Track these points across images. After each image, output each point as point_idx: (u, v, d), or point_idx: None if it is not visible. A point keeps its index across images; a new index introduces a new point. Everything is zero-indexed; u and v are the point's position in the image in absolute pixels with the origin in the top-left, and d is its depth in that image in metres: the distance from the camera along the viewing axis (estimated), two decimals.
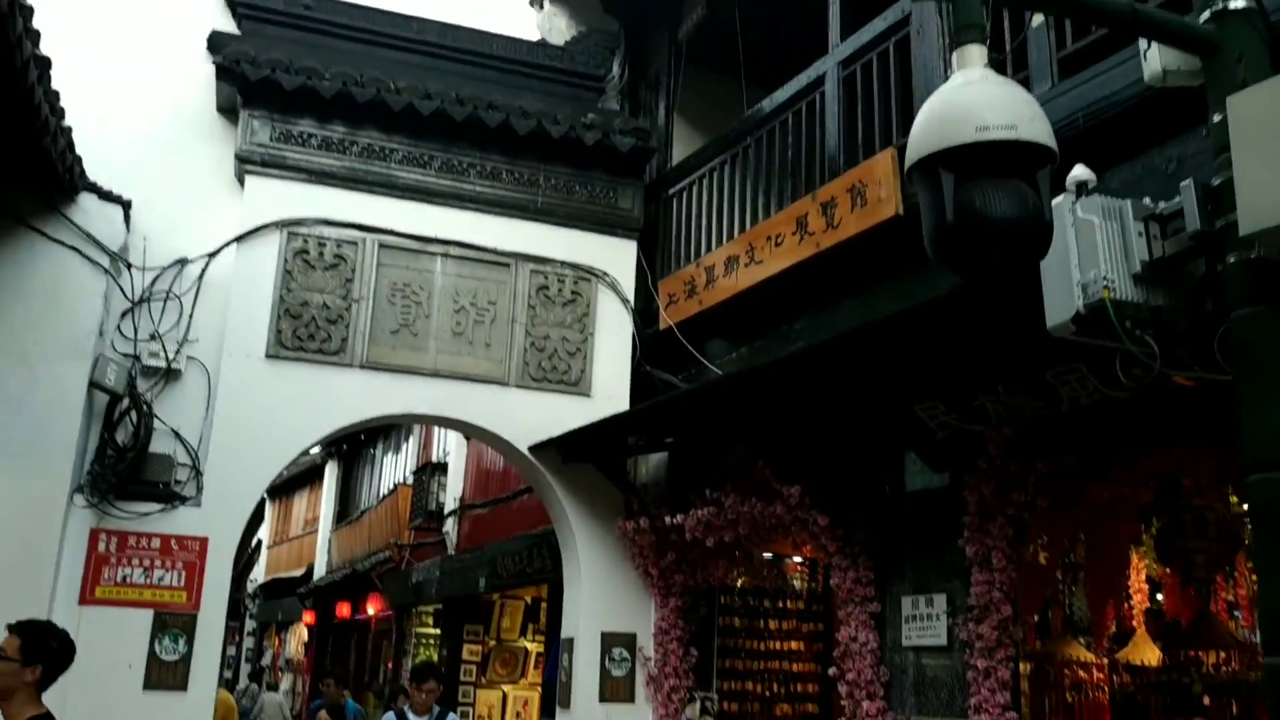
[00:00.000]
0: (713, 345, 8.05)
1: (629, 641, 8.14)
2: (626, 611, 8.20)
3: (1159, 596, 8.90)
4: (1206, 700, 6.16)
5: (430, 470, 16.19)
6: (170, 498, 7.17)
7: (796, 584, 9.05)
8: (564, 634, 8.39)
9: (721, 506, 6.93)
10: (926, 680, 5.83)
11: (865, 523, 6.36)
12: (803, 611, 9.08)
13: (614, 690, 8.03)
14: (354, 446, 21.81)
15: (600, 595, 8.17)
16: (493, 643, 15.31)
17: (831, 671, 6.43)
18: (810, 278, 6.87)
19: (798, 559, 9.06)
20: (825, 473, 6.55)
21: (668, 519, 7.46)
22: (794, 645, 8.94)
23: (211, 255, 7.62)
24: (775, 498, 6.58)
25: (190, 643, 7.02)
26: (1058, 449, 5.08)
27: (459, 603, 15.10)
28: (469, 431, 8.62)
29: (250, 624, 27.84)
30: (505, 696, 15.32)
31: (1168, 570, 6.86)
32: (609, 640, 8.09)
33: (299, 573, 23.84)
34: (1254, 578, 7.44)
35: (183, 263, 7.58)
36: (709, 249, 7.97)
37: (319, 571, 22.42)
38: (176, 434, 7.28)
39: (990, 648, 5.38)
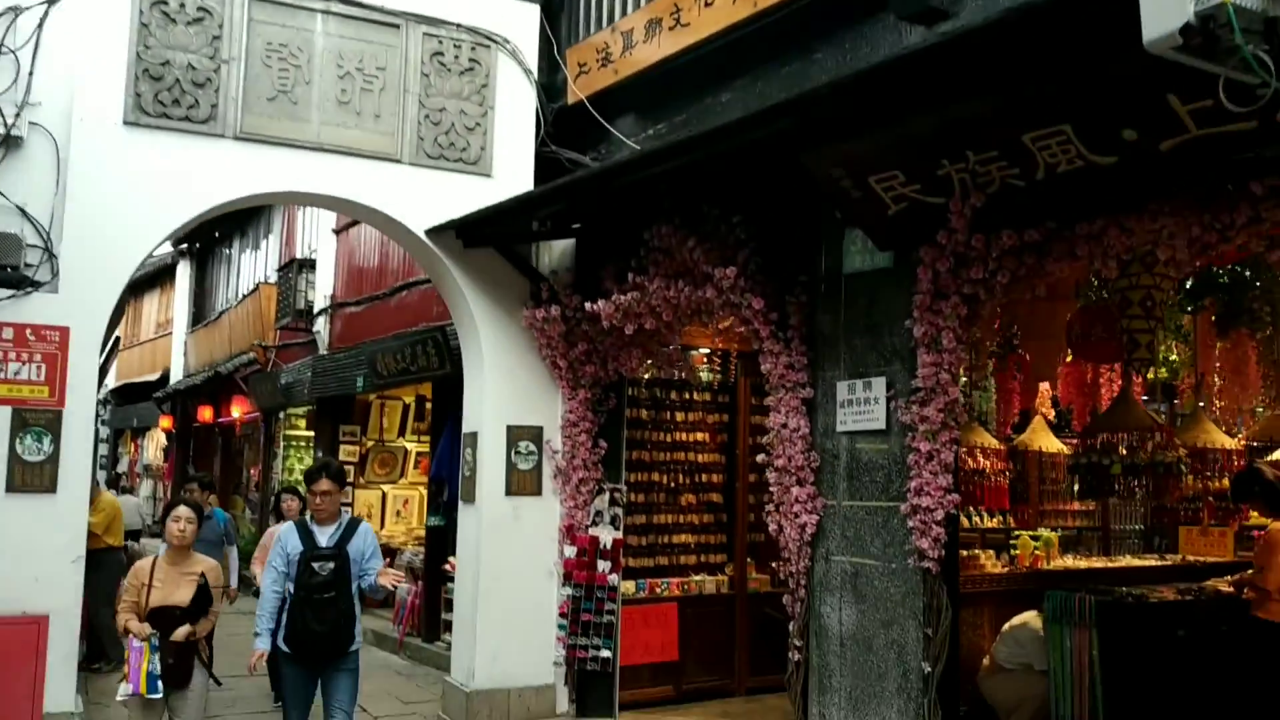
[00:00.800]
0: (627, 122, 7.46)
1: (535, 435, 7.82)
2: (533, 404, 7.84)
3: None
4: (1118, 483, 6.27)
5: (297, 267, 15.27)
6: (20, 282, 6.32)
7: (704, 376, 8.82)
8: (466, 428, 8.00)
9: (645, 291, 6.52)
10: (861, 465, 5.68)
11: (800, 306, 6.06)
12: (709, 403, 8.89)
13: (520, 483, 7.75)
14: (208, 244, 20.53)
15: (505, 388, 7.77)
16: (370, 443, 14.97)
17: (760, 458, 6.23)
18: (744, 43, 6.29)
19: (704, 350, 8.81)
20: (758, 254, 6.17)
21: (586, 305, 7.02)
22: (700, 437, 8.79)
23: (50, 1, 6.51)
24: (705, 281, 6.19)
25: (56, 442, 6.35)
26: (1023, 221, 4.80)
27: (333, 404, 14.58)
28: (357, 213, 7.90)
29: (103, 430, 26.65)
30: (385, 496, 15.14)
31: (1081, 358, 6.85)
32: (515, 434, 7.75)
33: (153, 377, 22.76)
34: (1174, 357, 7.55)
35: (15, 11, 6.46)
36: (625, 11, 7.25)
37: (176, 375, 21.42)
38: (22, 211, 6.36)
39: (935, 430, 5.22)
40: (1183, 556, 9.60)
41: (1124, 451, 6.14)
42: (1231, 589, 6.50)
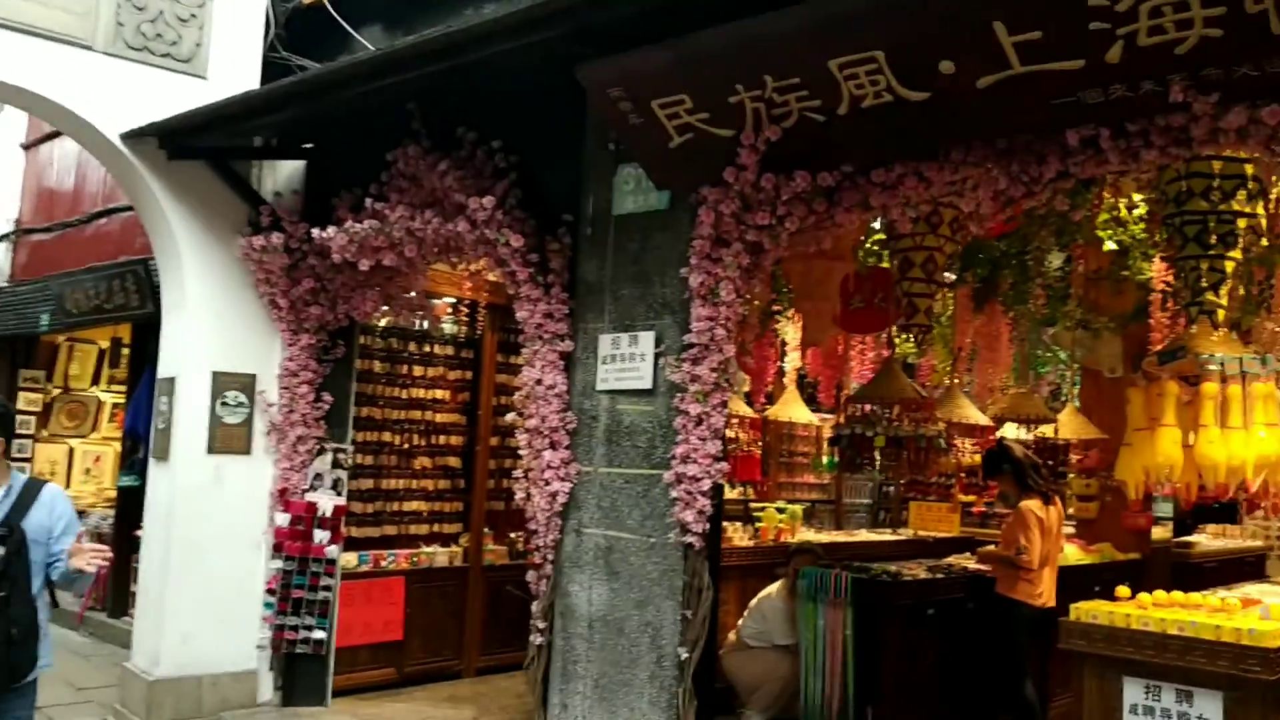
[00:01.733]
0: (375, 31, 6.53)
1: (247, 384, 6.77)
2: (245, 348, 6.78)
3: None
4: (881, 455, 6.05)
5: None
6: None
7: (447, 328, 8.02)
8: (163, 372, 6.84)
9: (385, 221, 5.66)
10: (622, 428, 5.10)
11: (564, 248, 5.40)
12: (451, 358, 8.10)
13: (227, 440, 6.69)
14: None
15: (213, 327, 6.67)
16: (57, 391, 13.13)
17: (510, 418, 5.54)
18: None
19: (449, 300, 8.00)
20: (520, 187, 5.46)
21: (315, 233, 6.06)
22: (439, 394, 7.98)
23: None
24: (457, 213, 5.41)
25: None
26: (818, 163, 4.34)
27: (11, 344, 12.64)
28: (36, 108, 6.52)
29: None
30: (72, 451, 13.34)
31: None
32: (222, 381, 6.67)
33: None
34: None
35: None
36: None
37: None
38: None
39: (707, 391, 4.70)
40: (914, 531, 9.75)
41: (886, 424, 5.91)
42: (978, 566, 6.43)
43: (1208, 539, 10.70)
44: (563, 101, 5.07)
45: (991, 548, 6.59)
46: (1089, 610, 4.54)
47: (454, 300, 8.03)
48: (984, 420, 6.64)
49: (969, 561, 6.51)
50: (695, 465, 4.69)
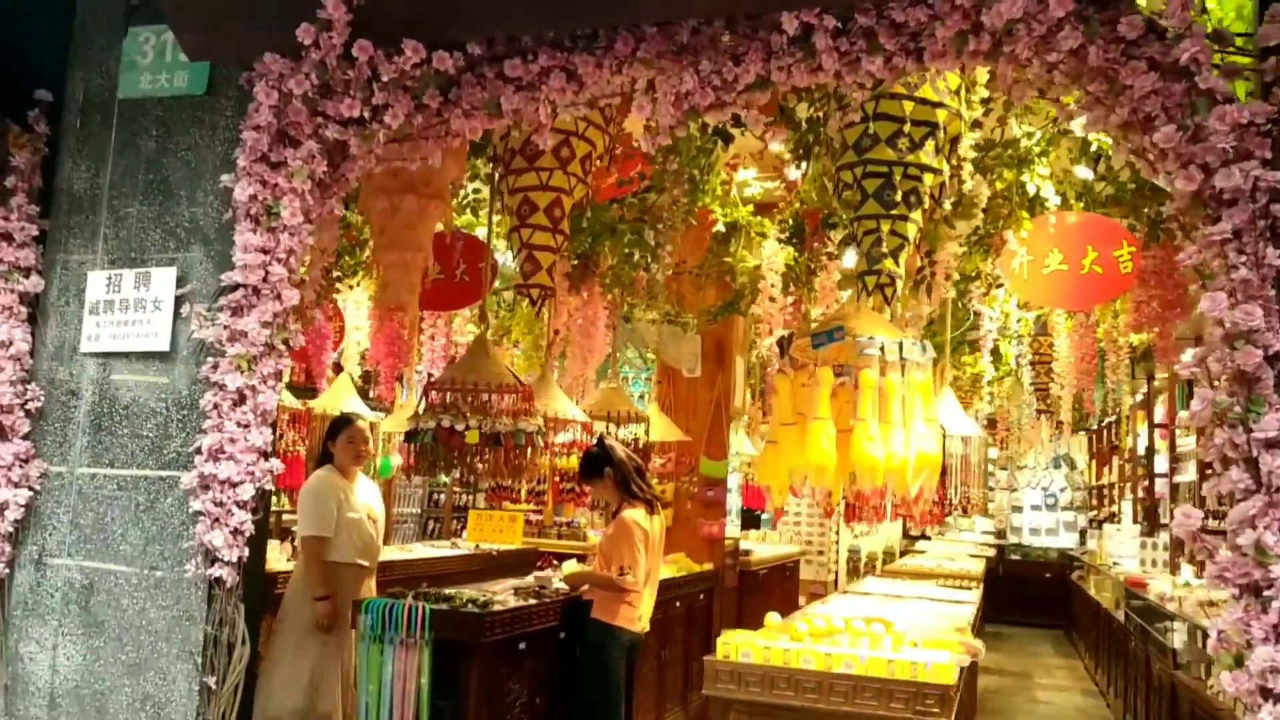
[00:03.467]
0: None
1: None
2: None
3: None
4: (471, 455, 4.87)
5: None
6: None
7: None
8: None
9: None
10: (119, 409, 3.46)
11: (35, 141, 3.64)
12: None
13: None
14: None
15: None
16: None
17: None
18: None
19: None
20: None
21: None
22: None
23: None
24: None
25: None
26: (439, 34, 3.08)
27: None
28: None
29: None
30: None
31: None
32: None
33: None
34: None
35: None
36: None
37: None
38: None
39: (255, 355, 3.24)
40: (476, 544, 8.68)
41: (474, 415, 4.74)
42: (567, 587, 5.44)
43: (756, 545, 10.70)
44: None
45: (584, 566, 5.64)
46: (739, 646, 3.66)
47: None
48: (581, 416, 5.72)
49: (555, 579, 5.52)
50: (232, 464, 3.20)
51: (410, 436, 4.89)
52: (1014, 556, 16.44)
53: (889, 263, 3.61)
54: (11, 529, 3.48)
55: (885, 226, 3.60)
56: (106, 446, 3.46)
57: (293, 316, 3.29)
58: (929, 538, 15.19)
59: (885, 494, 3.80)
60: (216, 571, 3.20)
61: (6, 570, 3.49)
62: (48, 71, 3.69)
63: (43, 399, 3.55)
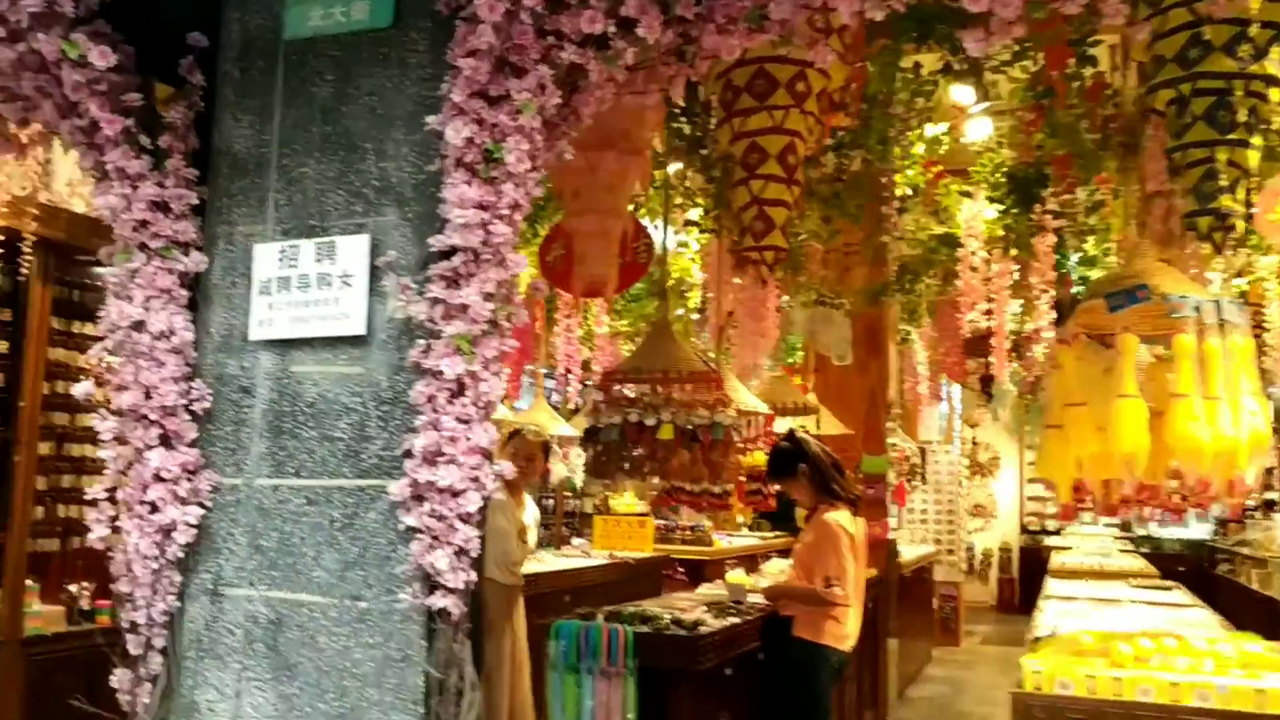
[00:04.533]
0: None
1: None
2: None
3: None
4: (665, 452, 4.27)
5: None
6: None
7: None
8: None
9: None
10: (302, 408, 2.88)
11: (190, 94, 3.09)
12: None
13: None
14: None
15: None
16: None
17: (79, 391, 3.08)
18: None
19: None
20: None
21: None
22: None
23: None
24: None
25: None
26: None
27: None
28: None
29: None
30: None
31: None
32: None
33: None
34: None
35: None
36: None
37: None
38: None
39: (476, 334, 2.64)
40: (610, 553, 8.08)
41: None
42: (766, 603, 4.81)
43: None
44: None
45: (786, 579, 4.99)
46: (1051, 675, 2.99)
47: None
48: (762, 406, 5.09)
49: (754, 594, 4.88)
50: (453, 468, 2.61)
51: (590, 435, 4.29)
52: (1143, 550, 15.53)
53: (1227, 199, 2.91)
54: (181, 554, 2.92)
55: (1222, 155, 2.91)
56: (290, 453, 2.88)
57: (514, 287, 2.69)
58: (1057, 533, 14.37)
59: (1209, 482, 3.10)
60: (439, 601, 2.61)
61: (177, 603, 2.93)
62: (200, 12, 3.13)
63: (210, 398, 2.99)
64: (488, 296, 2.63)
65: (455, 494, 2.62)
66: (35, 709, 5.25)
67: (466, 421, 2.64)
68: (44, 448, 5.52)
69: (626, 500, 11.35)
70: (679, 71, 2.74)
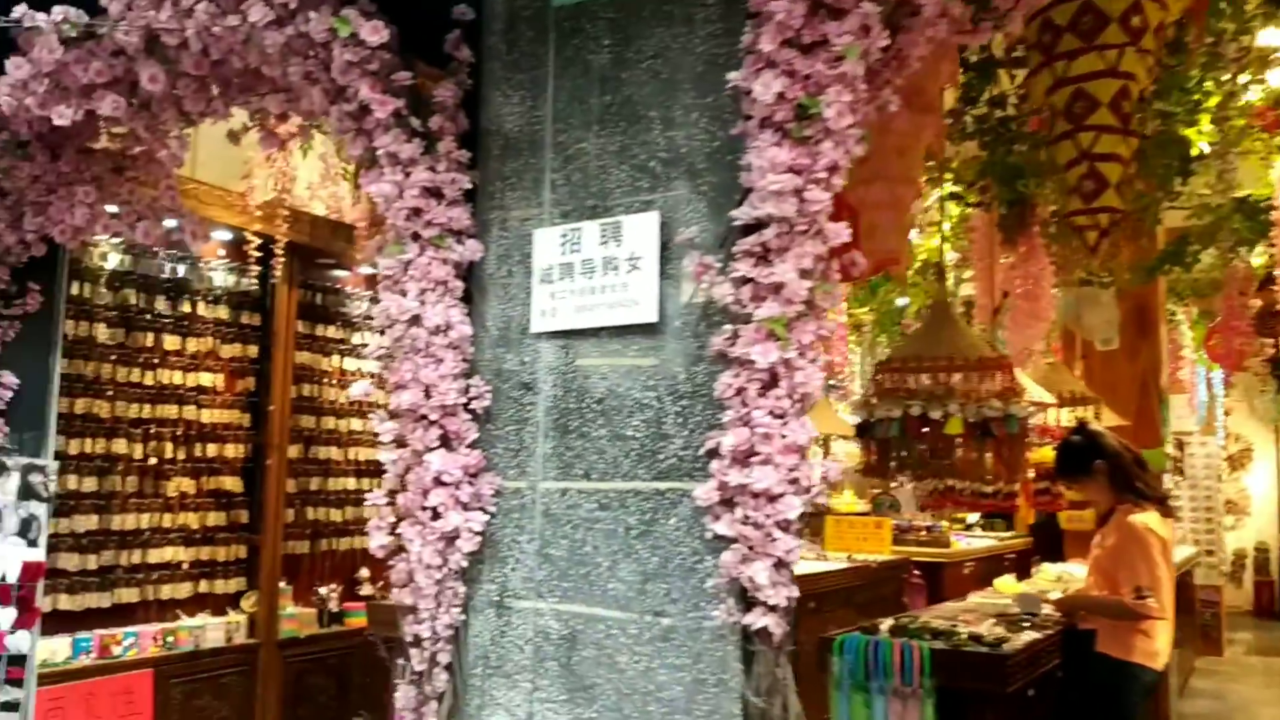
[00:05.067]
0: None
1: None
2: None
3: None
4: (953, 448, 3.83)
5: None
6: None
7: (218, 278, 5.27)
8: None
9: (111, 20, 2.94)
10: (590, 404, 2.63)
11: (458, 72, 2.90)
12: (225, 325, 5.34)
13: None
14: None
15: None
16: None
17: (356, 390, 2.93)
18: None
19: (222, 234, 5.24)
20: None
21: None
22: (207, 380, 5.21)
23: None
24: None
25: None
26: None
27: None
28: None
29: None
30: None
31: None
32: None
33: None
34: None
35: None
36: None
37: None
38: None
39: (792, 316, 2.32)
40: (849, 555, 7.65)
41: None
42: (1062, 616, 4.30)
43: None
44: None
45: (1083, 588, 4.46)
46: None
47: (229, 236, 5.28)
48: (1048, 396, 4.59)
49: (1048, 606, 4.39)
50: (769, 469, 2.29)
51: (864, 430, 3.91)
52: None
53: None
54: (465, 563, 2.72)
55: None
56: (578, 453, 2.64)
57: (832, 263, 2.35)
58: None
59: None
60: (759, 620, 2.30)
61: (462, 616, 2.73)
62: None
63: (489, 396, 2.78)
64: (804, 273, 2.30)
65: (772, 498, 2.30)
66: (293, 710, 5.28)
67: (781, 416, 2.32)
68: (293, 451, 5.57)
69: (846, 499, 10.87)
70: (1018, 4, 2.33)
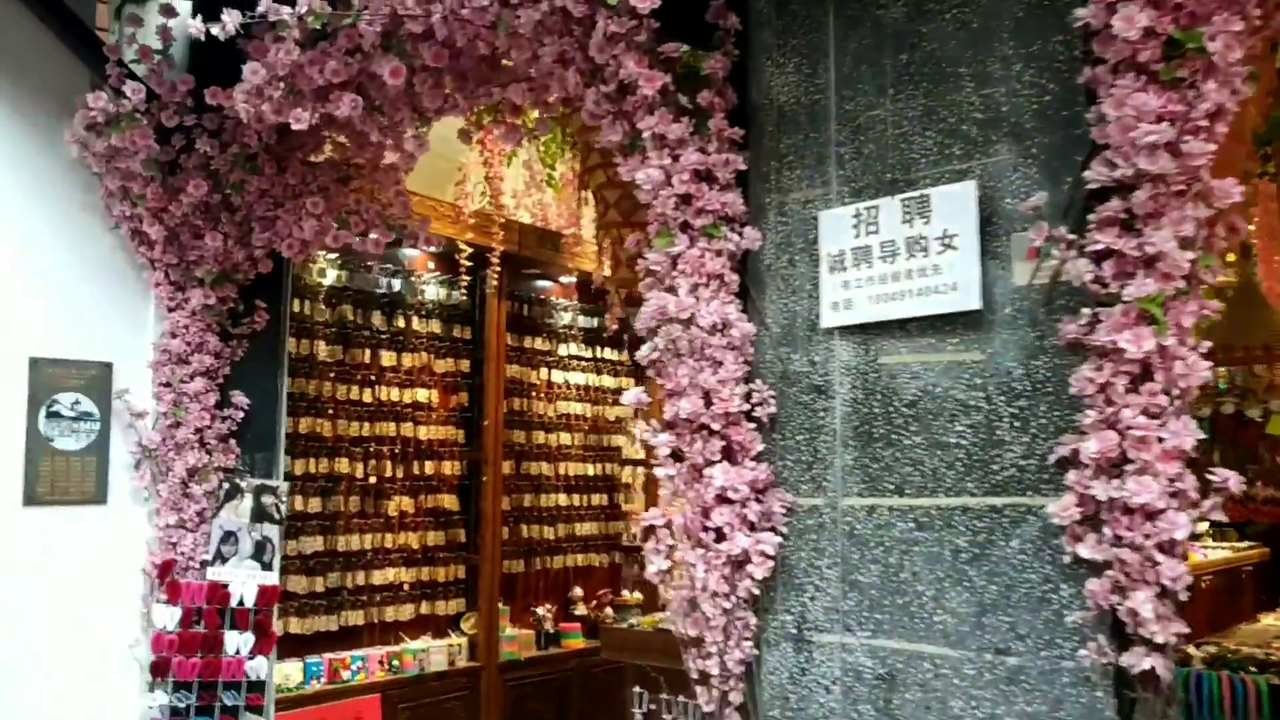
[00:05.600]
0: None
1: (97, 381, 3.82)
2: (91, 318, 3.84)
3: None
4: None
5: None
6: None
7: (430, 292, 5.15)
8: None
9: (353, 9, 2.77)
10: (900, 408, 2.29)
11: (726, 43, 2.60)
12: (438, 339, 5.22)
13: (60, 479, 3.73)
14: None
15: (28, 284, 3.71)
16: None
17: (628, 399, 2.66)
18: None
19: (430, 246, 5.12)
20: None
21: (206, 94, 3.19)
22: (422, 396, 5.10)
23: None
24: None
25: None
26: None
27: None
28: None
29: None
30: None
31: None
32: (50, 378, 3.72)
33: None
34: None
35: None
36: None
37: None
38: None
39: (1171, 295, 1.92)
40: None
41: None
42: None
43: None
44: None
45: None
46: None
47: (439, 249, 5.16)
48: None
49: None
50: (1147, 480, 1.90)
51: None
52: None
53: None
54: (756, 590, 2.41)
55: None
56: (887, 465, 2.30)
57: (1227, 225, 1.95)
58: None
59: None
60: (1141, 661, 1.90)
61: (754, 650, 2.42)
62: None
63: (774, 402, 2.47)
64: (1184, 242, 1.90)
65: (1151, 515, 1.91)
66: None
67: (1158, 416, 1.92)
68: (506, 467, 5.41)
69: None
70: None
